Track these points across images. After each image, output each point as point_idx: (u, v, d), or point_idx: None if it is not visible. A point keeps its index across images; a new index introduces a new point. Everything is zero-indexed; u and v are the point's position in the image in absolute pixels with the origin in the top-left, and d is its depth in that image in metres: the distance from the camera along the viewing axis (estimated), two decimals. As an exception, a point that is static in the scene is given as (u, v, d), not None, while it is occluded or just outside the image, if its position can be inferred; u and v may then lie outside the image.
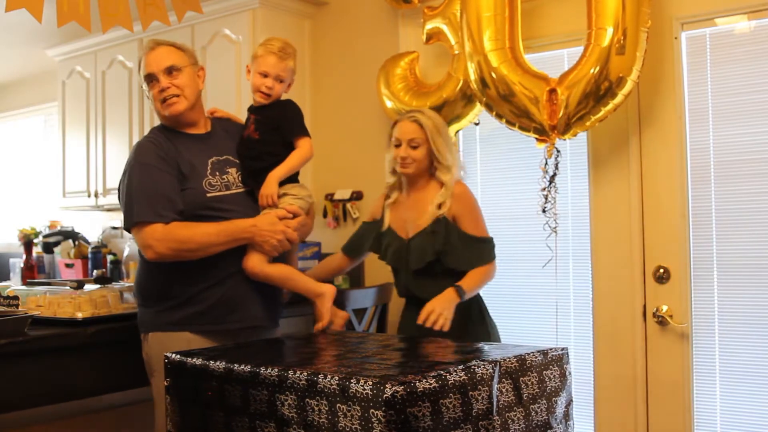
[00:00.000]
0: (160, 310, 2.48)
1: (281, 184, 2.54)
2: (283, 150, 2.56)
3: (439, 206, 2.72)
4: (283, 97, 2.64)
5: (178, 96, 2.49)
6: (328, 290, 2.56)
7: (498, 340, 2.81)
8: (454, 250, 2.70)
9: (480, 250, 2.73)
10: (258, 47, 2.61)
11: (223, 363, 1.95)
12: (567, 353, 2.11)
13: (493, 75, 3.03)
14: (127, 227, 2.47)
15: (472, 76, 3.12)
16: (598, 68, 2.83)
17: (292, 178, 2.60)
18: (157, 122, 2.67)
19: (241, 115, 2.77)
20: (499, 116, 3.12)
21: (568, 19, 3.22)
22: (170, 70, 2.49)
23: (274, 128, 2.56)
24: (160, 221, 2.40)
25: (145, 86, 2.55)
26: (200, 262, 2.43)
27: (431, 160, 2.76)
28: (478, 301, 2.81)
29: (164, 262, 2.44)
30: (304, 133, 2.59)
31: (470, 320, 2.75)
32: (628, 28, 2.82)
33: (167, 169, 2.45)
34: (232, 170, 2.56)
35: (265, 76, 2.55)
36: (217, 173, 2.52)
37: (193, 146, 2.54)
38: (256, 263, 2.48)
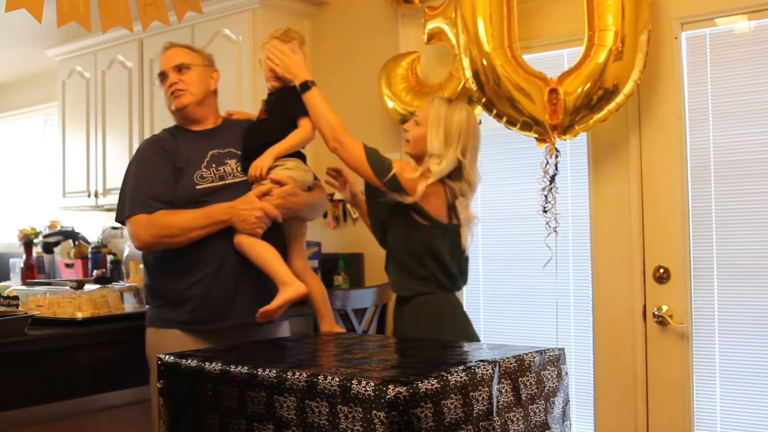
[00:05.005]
0: (156, 307, 2.54)
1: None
2: (290, 128, 2.56)
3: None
4: None
5: (183, 90, 2.58)
6: (294, 286, 2.37)
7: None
8: None
9: None
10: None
11: (219, 364, 1.93)
12: (563, 353, 2.10)
13: (488, 71, 3.04)
14: (120, 221, 2.54)
15: (471, 78, 3.12)
16: (597, 72, 2.84)
17: (296, 157, 2.59)
18: (161, 124, 2.69)
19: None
20: (498, 116, 3.12)
21: (566, 20, 3.22)
22: (180, 68, 2.59)
23: (281, 107, 2.58)
24: (145, 212, 2.45)
25: (158, 84, 2.68)
26: (185, 260, 2.44)
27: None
28: (433, 309, 2.51)
29: (158, 261, 2.49)
30: (308, 113, 2.59)
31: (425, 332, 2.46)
32: (627, 32, 2.83)
33: (161, 162, 2.51)
34: (232, 161, 2.58)
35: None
36: (213, 165, 2.54)
37: (194, 141, 2.59)
38: (242, 238, 2.43)
